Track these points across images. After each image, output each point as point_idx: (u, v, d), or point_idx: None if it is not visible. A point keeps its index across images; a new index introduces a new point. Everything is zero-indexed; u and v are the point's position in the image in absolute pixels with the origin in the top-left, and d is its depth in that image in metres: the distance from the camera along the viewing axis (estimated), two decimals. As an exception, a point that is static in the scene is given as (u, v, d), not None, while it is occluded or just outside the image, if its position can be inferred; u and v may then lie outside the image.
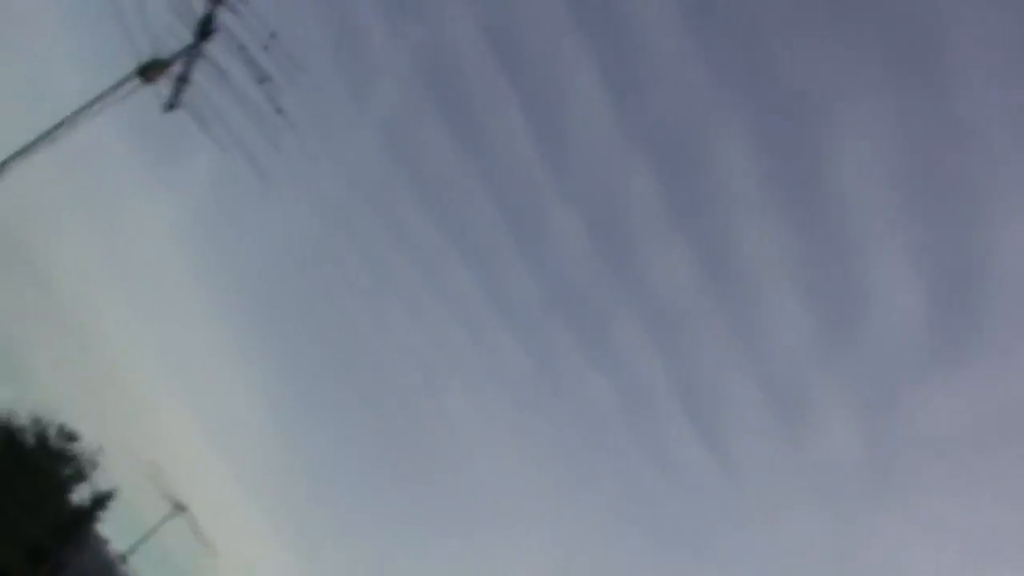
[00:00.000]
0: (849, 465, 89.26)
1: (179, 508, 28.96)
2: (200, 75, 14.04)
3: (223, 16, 13.18)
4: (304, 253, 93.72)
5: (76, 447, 36.42)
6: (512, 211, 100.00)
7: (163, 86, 13.99)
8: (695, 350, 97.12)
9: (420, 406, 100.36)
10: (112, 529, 36.78)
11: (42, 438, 34.77)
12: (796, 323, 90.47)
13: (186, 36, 13.38)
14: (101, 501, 37.52)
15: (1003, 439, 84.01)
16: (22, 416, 34.65)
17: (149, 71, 13.03)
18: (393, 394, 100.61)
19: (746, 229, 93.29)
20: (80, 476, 36.65)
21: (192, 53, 13.51)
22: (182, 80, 13.92)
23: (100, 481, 37.25)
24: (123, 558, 28.79)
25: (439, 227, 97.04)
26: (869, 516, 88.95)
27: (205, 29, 13.22)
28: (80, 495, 38.00)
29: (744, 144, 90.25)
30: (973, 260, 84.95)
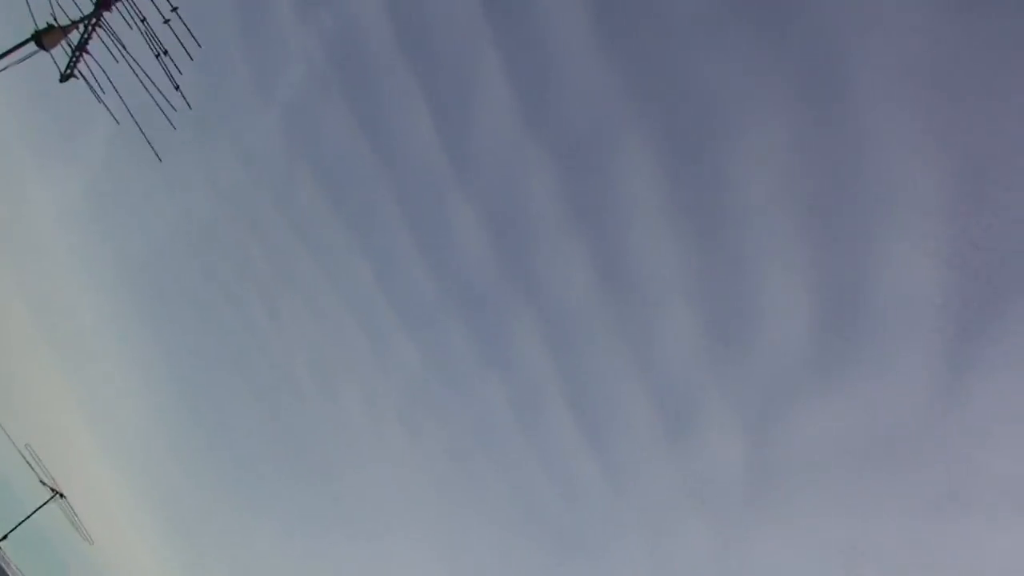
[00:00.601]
0: (732, 477, 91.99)
1: (56, 494, 28.21)
2: (98, 46, 14.04)
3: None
4: (198, 237, 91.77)
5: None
6: (413, 205, 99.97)
7: (59, 55, 13.94)
8: (587, 354, 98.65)
9: (313, 403, 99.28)
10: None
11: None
12: (686, 333, 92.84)
13: (86, 3, 13.38)
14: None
15: (881, 455, 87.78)
16: None
17: (46, 37, 12.96)
18: (285, 390, 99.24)
19: (643, 236, 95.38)
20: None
21: (91, 21, 13.48)
22: (79, 49, 13.86)
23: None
24: (-3, 542, 27.91)
25: (338, 218, 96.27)
26: (750, 528, 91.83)
27: (105, -2, 13.23)
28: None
29: (646, 152, 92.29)
30: (858, 280, 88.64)
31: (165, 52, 13.16)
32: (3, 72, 13.02)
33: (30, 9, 13.11)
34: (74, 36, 13.68)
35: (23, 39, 13.25)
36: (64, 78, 14.32)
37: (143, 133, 13.71)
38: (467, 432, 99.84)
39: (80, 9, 13.43)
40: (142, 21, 13.20)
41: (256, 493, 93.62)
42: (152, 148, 13.92)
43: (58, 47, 13.59)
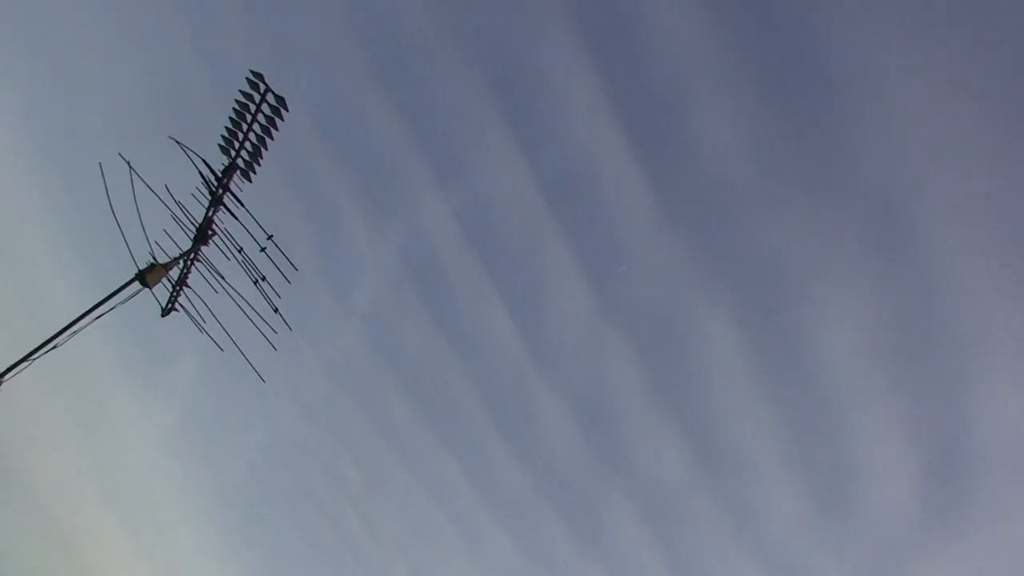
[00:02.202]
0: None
1: None
2: (196, 277, 14.51)
3: (220, 219, 13.75)
4: (290, 455, 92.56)
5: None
6: (496, 400, 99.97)
7: (159, 290, 14.40)
8: (688, 534, 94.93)
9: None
10: None
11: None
12: (788, 503, 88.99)
13: (184, 240, 13.90)
14: None
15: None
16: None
17: (148, 276, 13.41)
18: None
19: (731, 407, 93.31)
20: None
21: (190, 256, 13.98)
22: (180, 284, 14.33)
23: None
24: None
25: (425, 421, 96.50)
26: None
27: (203, 233, 13.74)
28: None
29: (722, 320, 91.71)
30: (958, 428, 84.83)
31: (263, 278, 13.48)
32: (111, 312, 13.42)
33: (130, 249, 13.64)
34: (174, 272, 14.15)
35: (127, 279, 13.73)
36: (166, 312, 14.76)
37: (247, 358, 13.88)
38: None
39: (179, 246, 13.94)
40: (239, 251, 13.61)
41: None
42: (256, 371, 14.05)
43: (160, 284, 14.05)
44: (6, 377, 13.08)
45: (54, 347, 13.57)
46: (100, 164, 13.15)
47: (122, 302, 13.46)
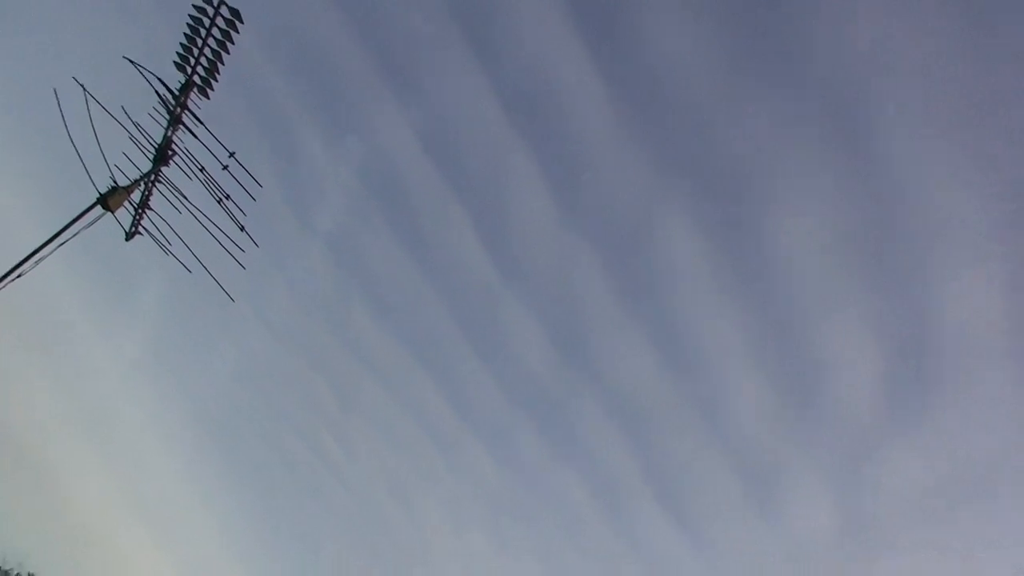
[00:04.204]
0: (825, 535, 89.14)
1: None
2: (159, 200, 14.29)
3: (180, 139, 13.50)
4: (264, 373, 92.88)
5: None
6: (466, 314, 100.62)
7: (122, 216, 14.18)
8: (659, 433, 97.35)
9: (398, 524, 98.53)
10: None
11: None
12: (755, 398, 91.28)
13: (144, 162, 13.66)
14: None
15: (973, 487, 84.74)
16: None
17: (110, 199, 13.19)
18: (367, 515, 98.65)
19: (696, 308, 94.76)
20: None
21: (151, 178, 13.75)
22: (142, 206, 14.12)
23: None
24: None
25: (395, 338, 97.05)
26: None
27: (163, 154, 13.50)
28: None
29: (685, 224, 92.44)
30: (921, 317, 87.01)
31: (227, 196, 13.33)
32: (73, 238, 13.24)
33: (89, 174, 13.39)
34: (136, 195, 13.94)
35: (88, 204, 13.50)
36: (130, 236, 14.56)
37: (214, 277, 13.79)
38: (552, 529, 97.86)
39: (139, 168, 13.70)
40: (201, 171, 13.41)
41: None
42: (224, 290, 13.98)
43: (122, 208, 13.83)
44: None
45: (19, 275, 13.40)
46: (55, 90, 12.82)
47: (85, 227, 13.26)
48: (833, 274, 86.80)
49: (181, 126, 13.27)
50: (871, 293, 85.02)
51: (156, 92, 13.07)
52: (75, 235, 13.23)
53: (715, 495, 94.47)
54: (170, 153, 13.59)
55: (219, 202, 13.65)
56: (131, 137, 13.40)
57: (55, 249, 13.49)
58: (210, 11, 12.22)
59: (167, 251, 14.24)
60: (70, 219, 13.03)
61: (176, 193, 13.96)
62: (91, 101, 12.69)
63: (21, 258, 13.46)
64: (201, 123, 13.29)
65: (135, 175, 13.70)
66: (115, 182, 13.52)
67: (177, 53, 12.90)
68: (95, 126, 12.72)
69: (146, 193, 14.03)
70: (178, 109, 13.16)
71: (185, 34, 12.63)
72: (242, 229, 13.67)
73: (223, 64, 12.90)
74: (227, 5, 12.10)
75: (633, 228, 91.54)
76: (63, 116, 12.54)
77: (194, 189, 14.10)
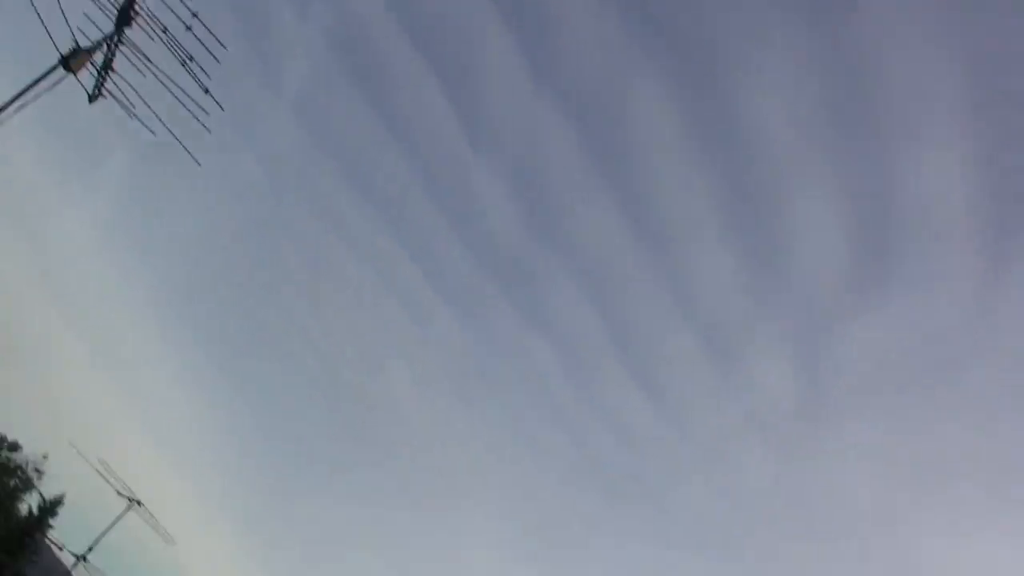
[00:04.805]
0: (785, 402, 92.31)
1: (134, 502, 28.85)
2: (123, 62, 14.16)
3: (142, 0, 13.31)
4: (232, 241, 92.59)
5: (19, 457, 35.99)
6: (436, 180, 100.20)
7: (86, 78, 14.07)
8: (627, 301, 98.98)
9: (363, 387, 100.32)
10: (66, 533, 36.48)
11: (-19, 452, 34.28)
12: (723, 268, 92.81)
13: (107, 23, 13.48)
14: (51, 508, 37.10)
15: (931, 361, 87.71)
16: (-42, 432, 34.12)
17: (72, 61, 13.08)
18: (334, 376, 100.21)
19: (667, 177, 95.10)
20: (26, 485, 36.21)
21: (114, 40, 13.59)
22: (105, 68, 13.99)
23: (48, 488, 36.90)
24: (82, 558, 28.61)
25: (365, 203, 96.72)
26: (807, 447, 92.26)
27: (125, 15, 13.32)
28: (28, 504, 37.61)
29: (657, 93, 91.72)
30: (888, 192, 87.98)
31: (191, 58, 13.25)
32: (35, 100, 13.19)
33: (50, 36, 13.22)
34: (98, 57, 13.80)
35: (49, 66, 13.38)
36: (93, 98, 14.47)
37: (179, 141, 13.85)
38: (518, 395, 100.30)
39: (101, 30, 13.53)
40: (164, 32, 13.28)
41: (319, 477, 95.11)
42: (190, 154, 14.07)
43: (84, 70, 13.72)
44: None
45: (-18, 137, 13.38)
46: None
47: (47, 89, 13.20)
48: (804, 147, 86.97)
49: (142, -14, 13.07)
50: (841, 167, 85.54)
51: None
52: (37, 97, 13.17)
53: (681, 363, 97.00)
54: (133, 14, 13.40)
55: (183, 64, 13.59)
56: (92, -3, 13.19)
57: (17, 111, 13.44)
58: None
59: (131, 114, 14.21)
60: (31, 80, 12.96)
61: (139, 55, 13.84)
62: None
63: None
64: (163, -18, 13.09)
65: (97, 36, 13.54)
66: (77, 43, 13.37)
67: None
68: (54, -15, 12.50)
69: (109, 55, 13.88)
70: (139, -32, 12.93)
71: None
72: (206, 92, 13.67)
73: (184, -79, 12.64)
74: None
75: (606, 97, 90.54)
76: (21, -26, 12.30)
77: (158, 51, 13.98)
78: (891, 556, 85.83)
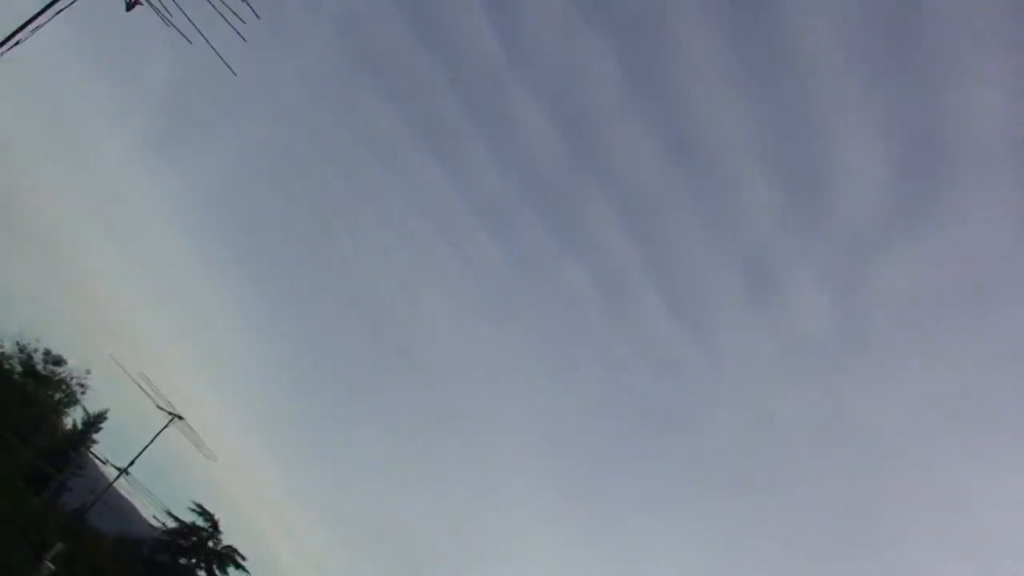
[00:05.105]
0: (823, 334, 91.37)
1: (175, 416, 29.19)
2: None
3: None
4: (271, 158, 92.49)
5: (63, 371, 36.48)
6: (475, 104, 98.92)
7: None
8: (666, 229, 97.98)
9: (400, 312, 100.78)
10: (109, 448, 37.16)
11: (28, 365, 34.74)
12: (764, 196, 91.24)
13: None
14: (94, 422, 37.77)
15: (970, 298, 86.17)
16: (5, 344, 34.59)
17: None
18: (372, 301, 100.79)
19: (710, 103, 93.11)
20: (71, 399, 36.83)
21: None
22: (142, -26, 13.59)
23: (91, 402, 37.54)
24: (125, 472, 29.11)
25: (404, 126, 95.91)
26: (846, 382, 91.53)
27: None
28: (72, 419, 38.32)
29: (701, 15, 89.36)
30: (933, 126, 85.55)
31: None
32: (73, 5, 12.85)
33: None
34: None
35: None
36: (130, 6, 14.10)
37: (215, 49, 13.46)
38: (555, 320, 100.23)
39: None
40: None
41: (357, 402, 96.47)
42: (226, 63, 13.69)
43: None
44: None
45: (16, 43, 13.09)
46: None
47: (82, -5, 12.84)
48: (850, 73, 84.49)
49: None
50: (887, 96, 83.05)
51: None
52: (73, 2, 12.83)
53: (717, 292, 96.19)
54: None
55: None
56: None
57: (53, 16, 13.12)
58: None
59: (168, 21, 13.83)
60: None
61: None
62: None
63: (18, 25, 13.13)
64: None
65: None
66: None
67: None
68: None
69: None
70: None
71: None
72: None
73: None
74: None
75: (648, 16, 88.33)
76: None
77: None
78: (928, 488, 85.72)
